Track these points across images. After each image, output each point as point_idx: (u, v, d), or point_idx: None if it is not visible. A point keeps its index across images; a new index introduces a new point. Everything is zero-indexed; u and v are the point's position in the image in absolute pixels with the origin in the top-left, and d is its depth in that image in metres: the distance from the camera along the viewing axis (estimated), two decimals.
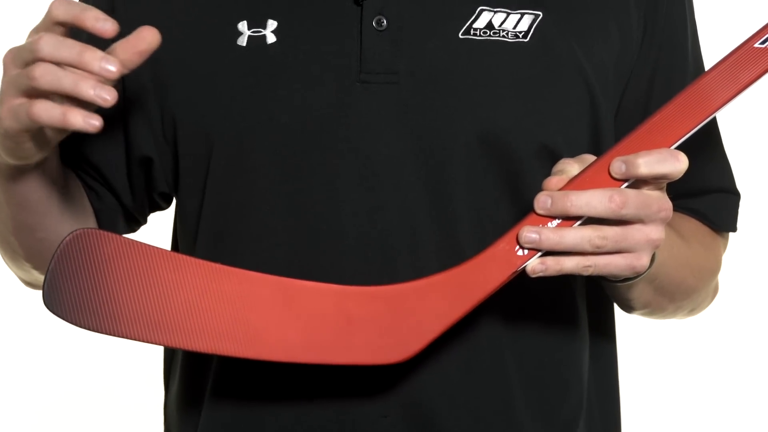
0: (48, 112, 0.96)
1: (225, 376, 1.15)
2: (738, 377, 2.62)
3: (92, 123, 0.96)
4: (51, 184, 1.12)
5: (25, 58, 0.97)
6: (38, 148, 1.04)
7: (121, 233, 1.21)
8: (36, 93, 0.97)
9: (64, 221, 1.15)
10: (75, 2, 0.98)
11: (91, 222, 1.21)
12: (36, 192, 1.11)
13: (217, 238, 1.15)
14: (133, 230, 1.26)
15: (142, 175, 1.20)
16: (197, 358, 1.17)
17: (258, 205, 1.12)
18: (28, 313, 2.43)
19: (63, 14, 0.98)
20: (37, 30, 1.00)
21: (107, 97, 0.95)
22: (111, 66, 0.96)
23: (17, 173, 1.08)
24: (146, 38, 0.99)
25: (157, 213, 1.27)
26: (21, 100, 0.98)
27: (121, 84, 1.17)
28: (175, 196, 1.21)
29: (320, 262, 1.11)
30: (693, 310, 1.28)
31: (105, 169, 1.20)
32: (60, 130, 1.00)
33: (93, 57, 0.96)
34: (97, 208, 1.21)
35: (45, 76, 0.96)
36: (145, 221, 1.26)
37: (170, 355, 1.24)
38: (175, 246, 1.23)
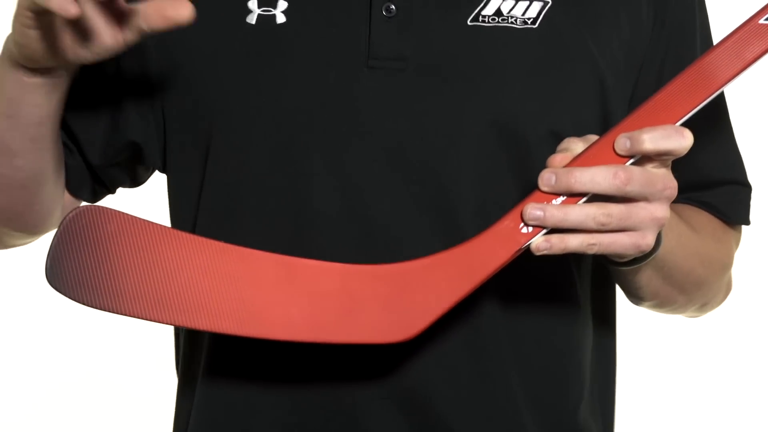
0: None
1: (218, 354, 1.15)
2: (738, 373, 2.62)
3: (67, 7, 0.96)
4: (50, 112, 1.11)
5: None
6: (49, 51, 1.04)
7: (85, 198, 1.22)
8: None
9: (47, 161, 1.14)
10: None
11: (62, 177, 1.20)
12: (35, 109, 1.10)
13: (218, 216, 1.14)
14: (98, 198, 1.24)
15: (128, 147, 1.20)
16: (193, 336, 1.17)
17: (260, 185, 1.12)
18: (35, 297, 2.45)
19: None
20: None
21: (70, 8, 0.96)
22: None
23: (25, 80, 1.08)
24: (180, 11, 1.00)
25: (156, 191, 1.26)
26: None
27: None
28: (170, 171, 1.20)
29: (322, 243, 1.11)
30: (705, 305, 1.27)
31: (76, 125, 1.19)
32: (76, 41, 1.02)
33: None
34: (69, 164, 1.20)
35: None
36: (114, 191, 1.25)
37: (178, 331, 1.24)
38: (174, 222, 1.23)
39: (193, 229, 1.17)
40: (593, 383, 1.20)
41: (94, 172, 1.22)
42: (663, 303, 1.21)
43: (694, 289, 1.22)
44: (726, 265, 1.26)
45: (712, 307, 1.28)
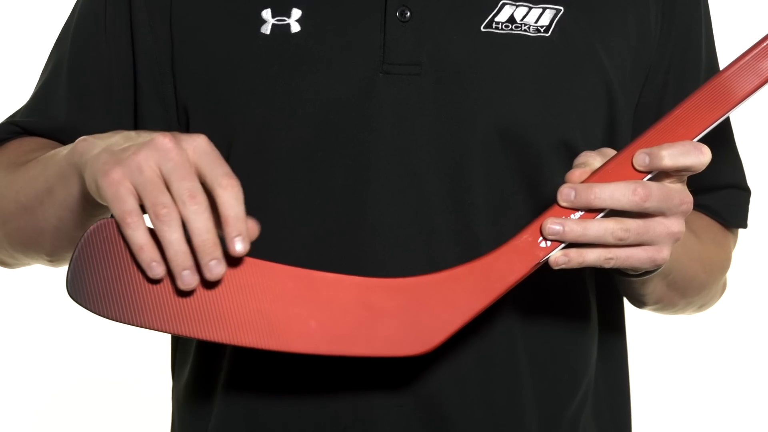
0: (135, 234, 0.94)
1: (239, 368, 1.15)
2: (747, 375, 2.62)
3: (155, 269, 0.95)
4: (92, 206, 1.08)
5: (166, 175, 0.94)
6: None
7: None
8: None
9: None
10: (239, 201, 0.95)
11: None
12: (81, 202, 1.07)
13: None
14: None
15: None
16: (210, 347, 1.17)
17: (279, 194, 1.12)
18: (34, 302, 2.44)
19: (231, 204, 0.94)
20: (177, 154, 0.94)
21: (189, 285, 0.95)
22: (216, 271, 0.95)
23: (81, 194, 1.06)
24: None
25: None
26: (129, 196, 0.94)
27: (134, 68, 1.18)
28: None
29: (339, 251, 1.11)
30: (702, 306, 1.29)
31: None
32: None
33: (209, 255, 0.94)
34: None
35: (164, 221, 0.93)
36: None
37: (176, 343, 1.24)
38: None
39: None
40: (602, 389, 1.21)
41: None
42: (665, 307, 1.23)
43: (695, 293, 1.24)
44: (724, 268, 1.28)
45: (708, 308, 1.30)
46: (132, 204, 0.94)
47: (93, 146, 1.01)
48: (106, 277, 0.97)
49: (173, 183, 0.94)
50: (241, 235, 0.94)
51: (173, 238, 0.93)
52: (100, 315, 0.98)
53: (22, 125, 1.22)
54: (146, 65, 1.18)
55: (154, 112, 1.18)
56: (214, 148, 0.96)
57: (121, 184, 0.94)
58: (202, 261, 0.94)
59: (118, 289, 0.98)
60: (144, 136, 1.00)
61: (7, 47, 2.52)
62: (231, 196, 0.94)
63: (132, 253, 0.95)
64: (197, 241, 0.93)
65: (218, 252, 0.94)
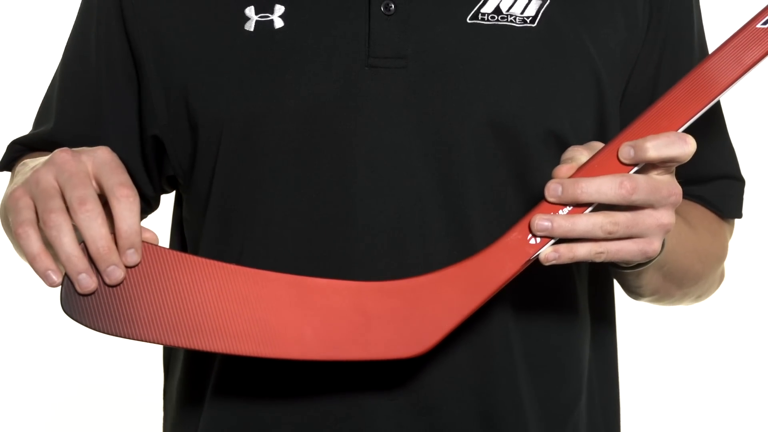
0: (27, 244, 0.97)
1: (227, 374, 1.15)
2: (740, 368, 2.62)
3: (50, 278, 0.97)
4: None
5: (62, 186, 0.97)
6: None
7: None
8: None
9: None
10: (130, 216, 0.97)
11: None
12: None
13: (225, 222, 1.15)
14: (142, 218, 1.25)
15: (155, 162, 1.22)
16: (199, 354, 1.18)
17: (267, 189, 1.13)
18: (28, 310, 2.46)
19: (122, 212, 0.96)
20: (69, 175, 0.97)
21: (87, 289, 0.97)
22: (115, 276, 0.97)
23: None
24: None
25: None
26: (25, 209, 0.98)
27: (125, 66, 1.19)
28: (182, 180, 1.21)
29: (329, 247, 1.11)
30: (700, 297, 1.29)
31: (125, 160, 1.19)
32: None
33: (105, 262, 0.96)
34: None
35: (51, 226, 0.96)
36: (156, 207, 1.28)
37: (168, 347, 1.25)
38: (177, 232, 1.25)
39: (200, 236, 1.18)
40: (594, 380, 1.21)
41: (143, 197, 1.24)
42: (661, 298, 1.23)
43: (692, 283, 1.24)
44: (720, 257, 1.28)
45: (706, 297, 1.30)
46: (26, 215, 0.97)
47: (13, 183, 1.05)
48: (99, 291, 0.98)
49: (66, 192, 0.96)
50: (133, 247, 0.97)
51: (62, 242, 0.95)
52: (96, 330, 0.99)
53: (23, 143, 1.26)
54: (144, 73, 1.19)
55: (158, 113, 1.19)
56: (114, 158, 0.99)
57: (20, 200, 0.98)
58: (99, 268, 0.96)
59: (112, 304, 0.98)
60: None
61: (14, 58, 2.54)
62: (124, 207, 0.96)
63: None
64: (91, 248, 0.95)
65: (114, 257, 0.96)
